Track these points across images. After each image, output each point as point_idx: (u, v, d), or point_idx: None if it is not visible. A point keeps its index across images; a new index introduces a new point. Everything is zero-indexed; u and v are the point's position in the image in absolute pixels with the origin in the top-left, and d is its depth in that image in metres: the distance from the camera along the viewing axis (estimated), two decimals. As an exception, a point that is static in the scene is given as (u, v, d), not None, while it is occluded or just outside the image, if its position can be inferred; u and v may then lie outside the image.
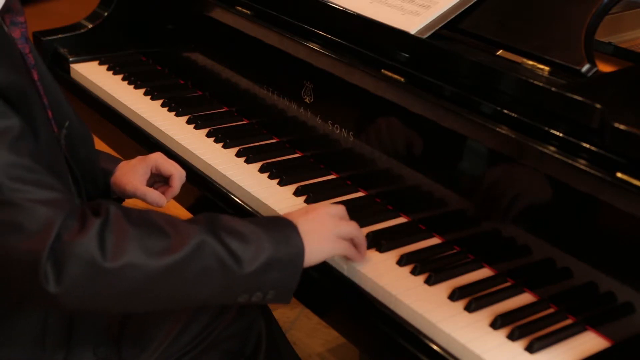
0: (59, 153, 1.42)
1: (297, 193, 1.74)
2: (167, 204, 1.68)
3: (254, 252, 1.30)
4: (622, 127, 1.29)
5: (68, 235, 1.19)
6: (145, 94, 2.21)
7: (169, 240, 1.26)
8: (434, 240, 1.59)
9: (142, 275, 1.23)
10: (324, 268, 1.53)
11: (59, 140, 1.44)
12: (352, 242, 1.47)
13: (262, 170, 1.83)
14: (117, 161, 1.71)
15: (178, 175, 1.67)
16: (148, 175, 1.68)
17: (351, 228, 1.46)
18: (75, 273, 1.19)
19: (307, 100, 1.86)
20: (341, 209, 1.48)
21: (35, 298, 1.26)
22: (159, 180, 1.70)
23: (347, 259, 1.50)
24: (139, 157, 1.69)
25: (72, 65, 2.37)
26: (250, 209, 1.73)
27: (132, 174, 1.65)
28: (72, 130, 1.48)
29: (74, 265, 1.19)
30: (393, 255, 1.54)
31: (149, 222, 1.28)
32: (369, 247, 1.54)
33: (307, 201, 1.71)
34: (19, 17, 1.36)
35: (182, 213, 1.89)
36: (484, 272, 1.50)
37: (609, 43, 1.74)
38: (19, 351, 1.41)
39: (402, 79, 1.62)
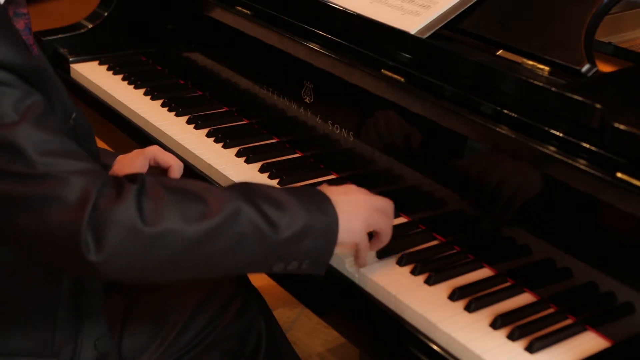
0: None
1: (297, 193, 1.74)
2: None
3: (289, 219, 1.29)
4: (622, 127, 1.29)
5: (106, 203, 1.19)
6: (145, 94, 2.21)
7: (205, 205, 1.25)
8: (434, 240, 1.59)
9: (181, 240, 1.22)
10: (324, 268, 1.54)
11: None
12: (378, 235, 1.45)
13: (262, 170, 1.83)
14: (114, 155, 1.72)
15: (177, 166, 1.67)
16: (146, 167, 1.68)
17: (382, 223, 1.44)
18: (116, 239, 1.19)
19: (307, 100, 1.86)
20: (385, 204, 1.45)
21: (76, 268, 1.25)
22: (156, 173, 1.70)
23: (354, 252, 1.47)
24: (137, 151, 1.70)
25: (72, 65, 2.37)
26: (250, 209, 1.72)
27: (131, 167, 1.66)
28: (76, 123, 1.49)
29: (114, 232, 1.19)
30: (393, 254, 1.53)
31: (184, 188, 1.28)
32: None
33: (307, 201, 1.70)
34: (21, 8, 1.37)
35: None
36: (484, 272, 1.50)
37: (609, 43, 1.74)
38: (28, 341, 1.42)
39: (402, 79, 1.62)
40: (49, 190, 1.19)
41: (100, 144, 2.33)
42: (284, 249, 1.30)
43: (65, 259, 1.23)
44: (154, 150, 1.69)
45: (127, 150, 2.13)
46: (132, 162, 1.67)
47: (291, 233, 1.29)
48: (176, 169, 1.67)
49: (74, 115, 1.44)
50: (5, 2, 1.32)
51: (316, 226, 1.31)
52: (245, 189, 1.31)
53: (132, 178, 1.26)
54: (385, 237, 1.46)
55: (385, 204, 1.45)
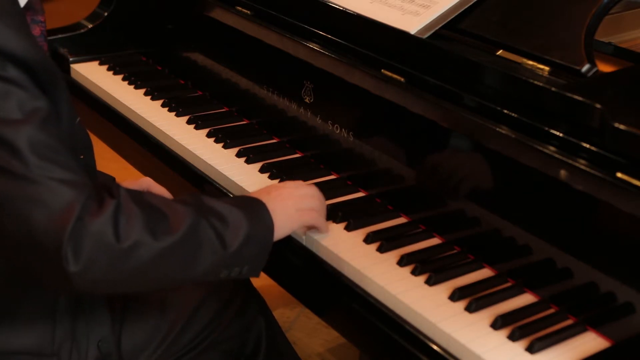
0: (74, 144, 1.44)
1: (297, 193, 1.74)
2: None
3: (234, 232, 1.37)
4: (622, 127, 1.29)
5: (88, 217, 1.23)
6: (146, 94, 2.21)
7: (168, 221, 1.32)
8: (434, 241, 1.59)
9: (149, 254, 1.28)
10: (324, 267, 1.54)
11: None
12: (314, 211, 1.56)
13: (262, 170, 1.83)
14: (109, 179, 1.75)
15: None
16: None
17: (311, 203, 1.55)
18: (91, 252, 1.23)
19: (307, 100, 1.86)
20: (308, 190, 1.57)
21: (53, 277, 1.28)
22: None
23: (313, 228, 1.58)
24: (130, 180, 1.77)
25: (72, 65, 2.37)
26: (250, 209, 1.72)
27: None
28: (79, 129, 1.50)
29: (91, 245, 1.23)
30: (393, 255, 1.53)
31: (149, 203, 1.34)
32: (370, 246, 1.55)
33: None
34: (39, 16, 1.40)
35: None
36: (485, 273, 1.50)
37: (609, 43, 1.74)
38: (29, 339, 1.43)
39: (402, 79, 1.61)
40: (37, 194, 1.22)
41: (101, 144, 2.34)
42: (230, 258, 1.38)
43: (44, 265, 1.26)
44: (147, 182, 1.77)
45: (126, 150, 2.14)
46: None
47: (237, 245, 1.37)
48: None
49: (77, 119, 1.46)
50: (24, 7, 1.34)
51: (256, 234, 1.41)
52: (197, 204, 1.38)
53: (110, 191, 1.31)
54: (323, 216, 1.58)
55: (310, 189, 1.58)
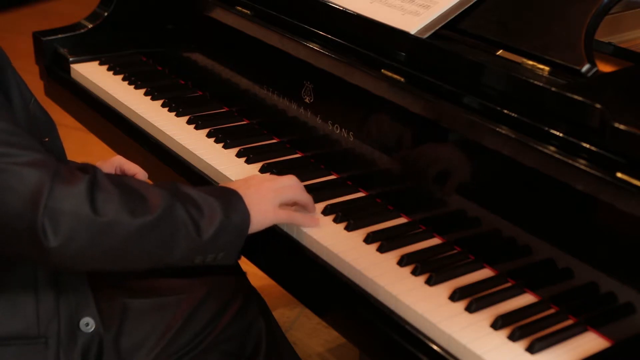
0: (32, 127, 1.45)
1: (297, 193, 1.74)
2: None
3: (208, 220, 1.41)
4: (622, 127, 1.29)
5: (59, 191, 1.25)
6: (146, 94, 2.21)
7: (146, 201, 1.35)
8: (435, 241, 1.59)
9: (127, 231, 1.31)
10: (324, 267, 1.54)
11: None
12: (298, 205, 1.59)
13: (263, 170, 1.83)
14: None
15: (142, 174, 1.77)
16: None
17: (291, 194, 1.57)
18: (69, 226, 1.26)
19: (307, 100, 1.86)
20: (285, 182, 1.59)
21: (33, 255, 1.31)
22: None
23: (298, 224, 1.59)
24: (102, 160, 1.78)
25: (72, 66, 2.37)
26: (250, 209, 1.72)
27: None
28: (36, 111, 1.50)
29: (68, 219, 1.26)
30: (394, 255, 1.54)
31: (125, 183, 1.37)
32: (370, 246, 1.55)
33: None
34: None
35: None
36: (485, 273, 1.50)
37: (609, 43, 1.74)
38: (15, 322, 1.44)
39: (402, 79, 1.62)
40: (4, 182, 1.24)
41: (100, 144, 2.34)
42: (205, 245, 1.41)
43: (23, 246, 1.28)
44: (119, 160, 1.78)
45: (126, 150, 2.14)
46: None
47: (211, 232, 1.40)
48: (141, 176, 1.77)
49: (32, 100, 1.47)
50: None
51: (230, 222, 1.44)
52: (173, 189, 1.41)
53: (84, 168, 1.33)
54: (305, 203, 1.60)
55: (287, 180, 1.60)
